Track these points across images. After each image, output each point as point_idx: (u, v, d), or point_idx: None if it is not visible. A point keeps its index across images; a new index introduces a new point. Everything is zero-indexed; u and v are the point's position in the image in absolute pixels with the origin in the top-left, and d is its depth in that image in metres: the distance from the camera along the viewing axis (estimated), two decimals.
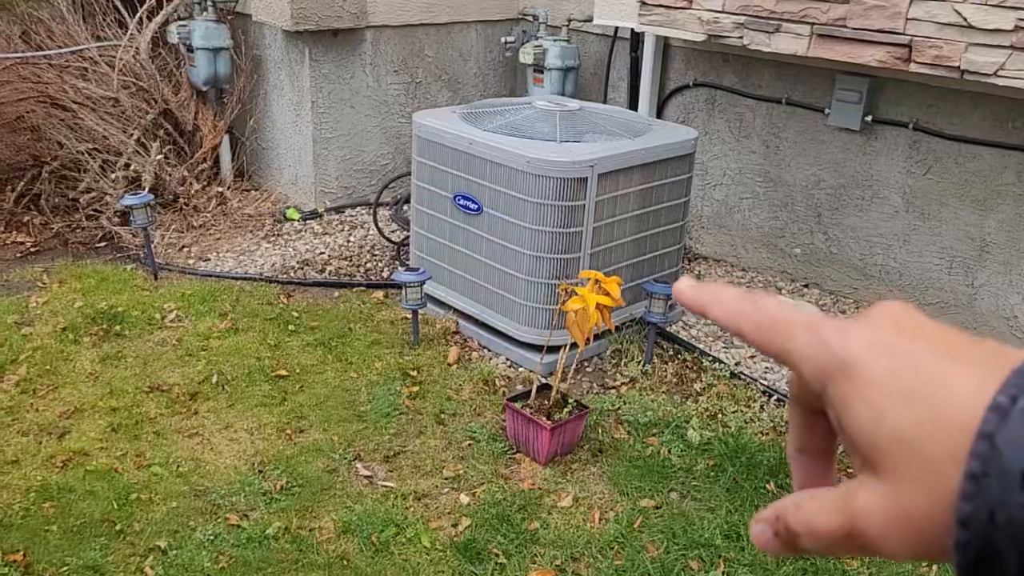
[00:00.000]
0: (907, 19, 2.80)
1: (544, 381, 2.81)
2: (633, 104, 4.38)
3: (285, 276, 3.79)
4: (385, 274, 3.88)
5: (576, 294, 2.45)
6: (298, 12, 3.97)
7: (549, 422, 2.56)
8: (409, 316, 3.23)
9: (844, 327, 0.37)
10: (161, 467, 2.54)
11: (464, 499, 2.47)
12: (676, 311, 3.32)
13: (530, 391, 2.72)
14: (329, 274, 3.85)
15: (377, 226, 4.19)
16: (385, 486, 2.51)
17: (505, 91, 5.00)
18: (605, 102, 4.51)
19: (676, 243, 3.38)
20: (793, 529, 0.37)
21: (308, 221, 4.40)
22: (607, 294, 2.43)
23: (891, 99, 3.45)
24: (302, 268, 3.90)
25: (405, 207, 4.51)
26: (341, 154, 4.48)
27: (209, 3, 4.37)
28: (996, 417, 0.31)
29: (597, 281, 2.45)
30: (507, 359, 3.19)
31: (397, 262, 3.98)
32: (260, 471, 2.54)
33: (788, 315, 0.39)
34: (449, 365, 3.12)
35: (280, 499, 2.43)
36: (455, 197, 3.18)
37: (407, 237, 4.12)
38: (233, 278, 3.76)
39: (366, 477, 2.55)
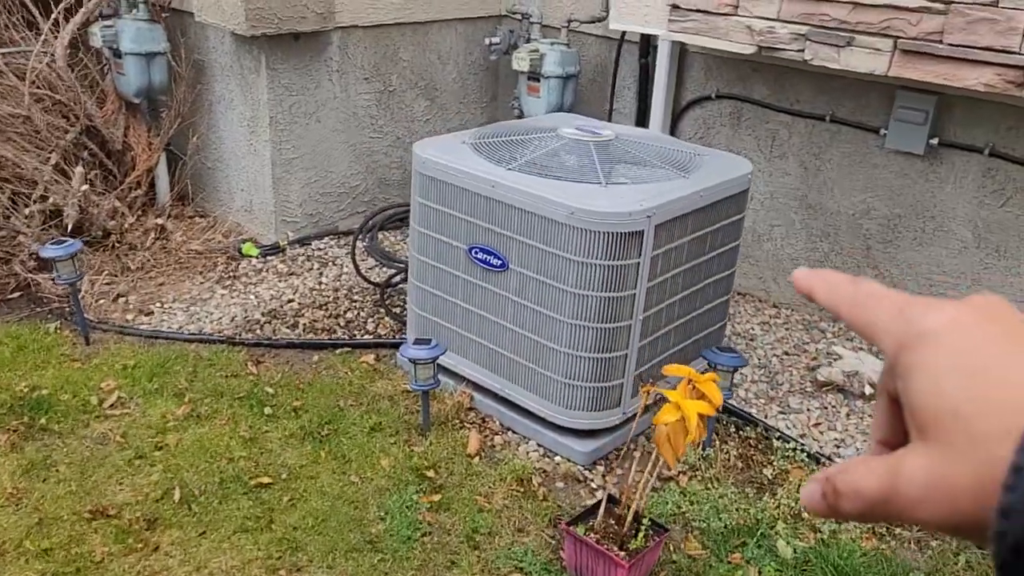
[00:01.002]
0: None
1: (604, 488, 2.26)
2: (642, 118, 3.84)
3: (251, 336, 3.15)
4: (370, 326, 3.27)
5: (664, 398, 1.91)
6: (254, 12, 3.30)
7: (624, 555, 2.03)
8: (406, 383, 2.63)
9: (930, 303, 0.39)
10: None
11: None
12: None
13: (589, 508, 2.18)
14: (304, 329, 3.22)
15: (356, 267, 3.56)
16: None
17: (487, 98, 4.40)
18: (610, 115, 3.96)
19: (725, 293, 2.87)
20: (839, 489, 0.39)
21: (269, 257, 3.74)
22: (704, 397, 1.89)
23: (961, 120, 2.99)
24: (270, 322, 3.26)
25: (381, 235, 3.89)
26: (305, 176, 3.83)
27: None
28: None
29: (690, 380, 1.91)
30: (538, 444, 2.63)
31: (382, 309, 3.37)
32: None
33: (883, 292, 0.41)
34: (470, 457, 2.54)
35: None
36: (471, 250, 2.60)
37: (392, 276, 3.52)
38: (187, 340, 3.10)
39: None
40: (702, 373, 2.79)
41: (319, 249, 3.84)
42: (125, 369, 2.87)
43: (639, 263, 2.40)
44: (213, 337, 3.11)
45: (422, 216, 2.71)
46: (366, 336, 3.19)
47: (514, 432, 2.68)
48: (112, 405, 2.70)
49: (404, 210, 4.13)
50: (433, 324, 2.80)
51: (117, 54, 3.68)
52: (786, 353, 3.22)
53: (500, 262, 2.54)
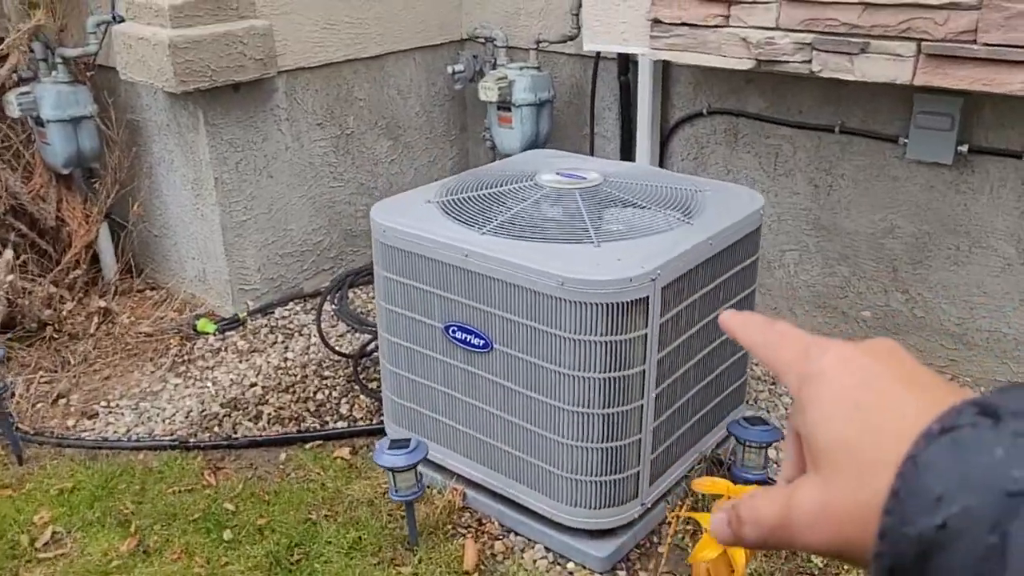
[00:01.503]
0: None
1: None
2: (627, 141, 3.47)
3: (208, 436, 2.76)
4: (344, 408, 2.88)
5: (699, 526, 1.53)
6: (183, 67, 2.92)
7: None
8: (387, 482, 2.25)
9: (831, 344, 0.42)
10: None
11: None
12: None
13: None
14: (269, 420, 2.83)
15: (324, 339, 3.18)
16: None
17: (455, 130, 4.02)
18: (592, 141, 3.59)
19: (742, 348, 2.49)
20: (742, 517, 0.41)
21: (228, 333, 3.35)
22: None
23: (992, 122, 2.63)
24: (229, 415, 2.87)
25: (352, 293, 3.52)
26: (261, 238, 3.44)
27: (58, 59, 3.25)
28: (924, 441, 0.34)
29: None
30: (547, 549, 2.25)
31: (356, 385, 2.99)
32: None
33: (792, 332, 0.45)
34: (468, 574, 2.16)
35: None
36: (448, 328, 2.22)
37: (366, 344, 3.14)
38: (135, 448, 2.71)
39: None
40: (723, 444, 2.42)
41: (283, 318, 3.45)
42: (62, 495, 2.48)
43: (646, 335, 2.02)
44: (164, 442, 2.72)
45: (387, 291, 2.33)
46: (339, 423, 2.80)
47: (517, 535, 2.30)
48: (46, 544, 2.31)
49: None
50: (412, 412, 2.42)
51: (39, 122, 3.30)
52: None
53: (482, 342, 2.16)
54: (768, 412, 2.81)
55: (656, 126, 3.34)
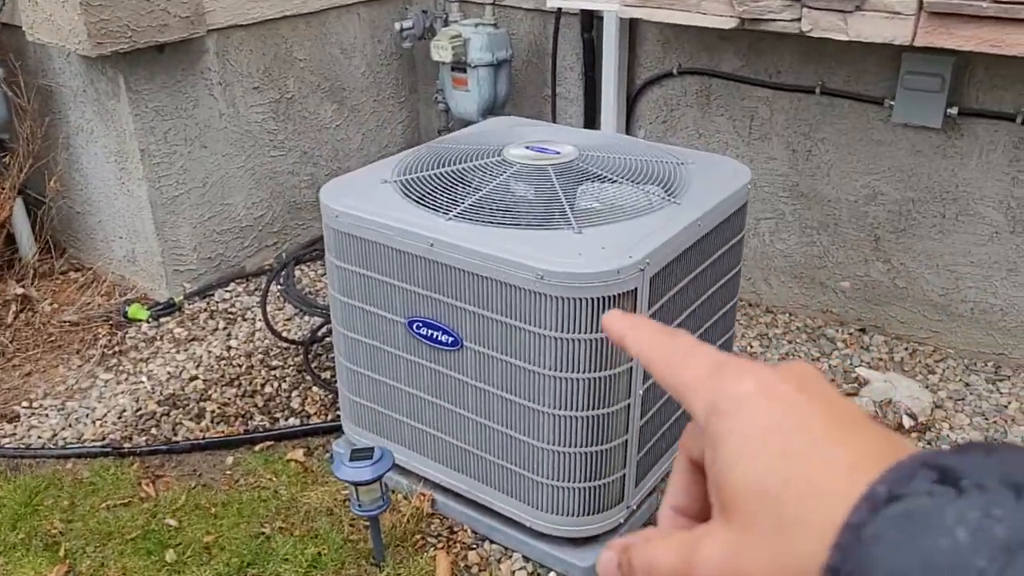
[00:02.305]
0: None
1: None
2: (591, 103, 3.25)
3: (145, 440, 2.50)
4: (295, 402, 2.65)
5: None
6: (98, 27, 2.59)
7: None
8: (347, 488, 2.04)
9: (746, 367, 0.36)
10: None
11: None
12: None
13: None
14: (213, 418, 2.58)
15: (270, 325, 2.93)
16: None
17: (405, 91, 3.74)
18: (554, 104, 3.35)
19: (728, 330, 2.33)
20: (634, 564, 0.36)
21: (163, 319, 3.07)
22: None
23: (984, 83, 2.47)
24: (168, 413, 2.61)
25: (299, 271, 3.26)
26: (196, 214, 3.15)
27: None
28: (868, 509, 0.29)
29: None
30: (525, 558, 2.08)
31: (308, 375, 2.76)
32: None
33: (698, 349, 0.38)
34: None
35: None
36: (411, 323, 2.00)
37: (318, 328, 2.90)
38: (62, 456, 2.44)
39: None
40: None
41: (224, 300, 3.18)
42: None
43: None
44: (95, 448, 2.46)
45: (342, 282, 2.09)
46: (291, 420, 2.57)
47: (492, 543, 2.12)
48: None
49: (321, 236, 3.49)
50: (372, 413, 2.20)
51: None
52: None
53: (451, 339, 1.94)
54: None
55: (622, 87, 3.12)
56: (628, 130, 3.21)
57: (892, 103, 2.60)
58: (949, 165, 2.61)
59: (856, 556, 0.29)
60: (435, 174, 2.10)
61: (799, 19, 2.19)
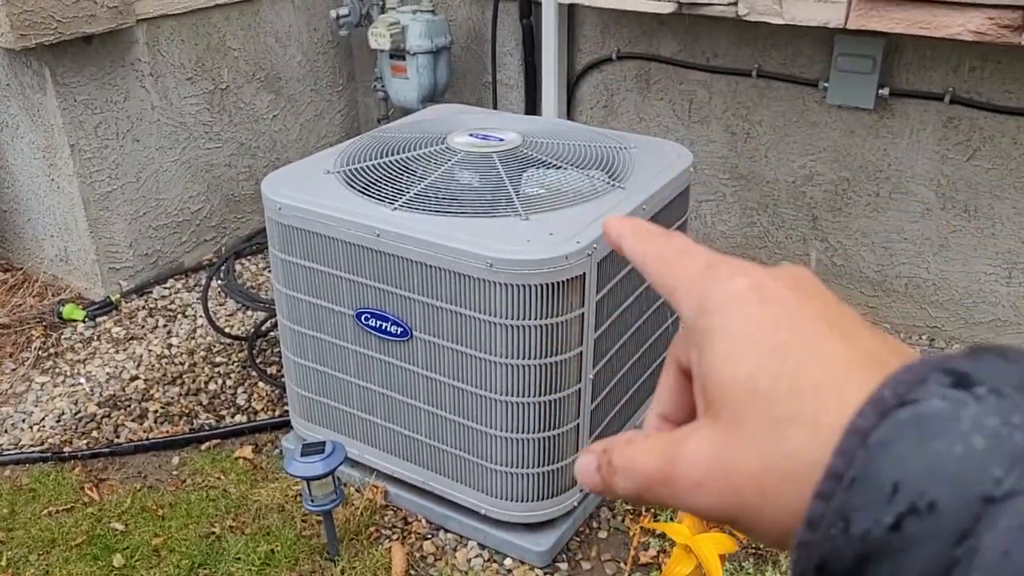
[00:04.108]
0: None
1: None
2: (532, 89, 3.25)
3: (86, 443, 2.43)
4: (241, 399, 2.61)
5: (669, 539, 1.38)
6: (22, 18, 2.49)
7: None
8: (298, 485, 2.02)
9: (740, 266, 0.35)
10: None
11: None
12: None
13: None
14: (156, 418, 2.53)
15: (212, 321, 2.87)
16: None
17: (342, 80, 3.69)
18: (494, 90, 3.34)
19: (669, 316, 2.36)
20: (614, 463, 0.35)
21: (99, 319, 2.99)
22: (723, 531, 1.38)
23: (914, 64, 2.54)
24: (109, 415, 2.55)
25: (239, 264, 3.20)
26: (130, 210, 3.06)
27: None
28: (875, 413, 0.27)
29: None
30: (481, 546, 2.08)
31: (253, 371, 2.71)
32: None
33: (693, 248, 0.37)
34: None
35: None
36: (359, 315, 1.98)
37: (260, 324, 2.86)
38: None
39: None
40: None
41: (163, 297, 3.11)
42: None
43: (583, 314, 1.84)
44: (34, 454, 2.38)
45: (286, 275, 2.06)
46: (237, 417, 2.53)
47: (447, 531, 2.12)
48: None
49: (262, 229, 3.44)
50: (321, 406, 2.18)
51: None
52: None
53: (400, 329, 1.93)
54: None
55: (563, 73, 3.13)
56: (569, 115, 3.22)
57: (826, 85, 2.66)
58: (882, 145, 2.68)
59: (862, 462, 0.27)
60: (379, 163, 2.07)
61: (735, 3, 2.22)
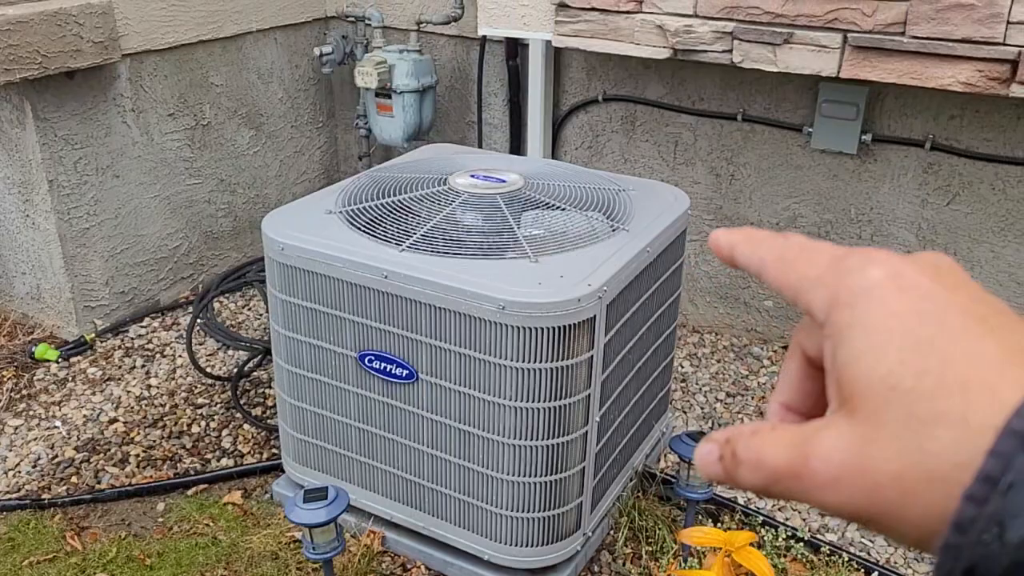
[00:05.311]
0: (1009, 22, 1.92)
1: None
2: (517, 129, 3.27)
3: (66, 490, 2.35)
4: (226, 442, 2.54)
5: None
6: (6, 54, 2.44)
7: None
8: (292, 531, 1.97)
9: (875, 256, 0.33)
10: None
11: None
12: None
13: None
14: (138, 463, 2.45)
15: (195, 361, 2.81)
16: None
17: (323, 117, 3.68)
18: (479, 130, 3.36)
19: (670, 351, 2.38)
20: (739, 456, 0.33)
21: (74, 359, 2.90)
22: (748, 574, 1.37)
23: (895, 111, 2.62)
24: (88, 460, 2.46)
25: (218, 303, 3.15)
26: (108, 247, 2.99)
27: None
28: None
29: (727, 553, 1.38)
30: None
31: (238, 413, 2.65)
32: None
33: (816, 243, 0.36)
34: None
35: None
36: (363, 357, 1.95)
37: (244, 364, 2.80)
38: None
39: None
40: (651, 455, 2.30)
41: (140, 336, 3.03)
42: None
43: (592, 357, 1.84)
44: (11, 502, 2.29)
45: (286, 316, 2.03)
46: (224, 460, 2.47)
47: None
48: None
49: (243, 268, 3.39)
50: (318, 450, 2.13)
51: None
52: (729, 395, 2.79)
53: (406, 372, 1.91)
54: (685, 412, 2.71)
55: (548, 113, 3.16)
56: (554, 155, 3.25)
57: (811, 130, 2.72)
58: (864, 189, 2.75)
59: (1022, 466, 0.25)
60: (381, 204, 2.06)
61: (730, 51, 2.26)
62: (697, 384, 2.85)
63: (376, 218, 2.00)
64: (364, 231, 1.95)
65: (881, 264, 0.32)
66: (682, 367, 2.96)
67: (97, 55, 2.68)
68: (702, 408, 2.73)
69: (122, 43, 2.79)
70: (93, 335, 2.98)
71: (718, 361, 2.98)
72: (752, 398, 2.76)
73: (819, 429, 0.32)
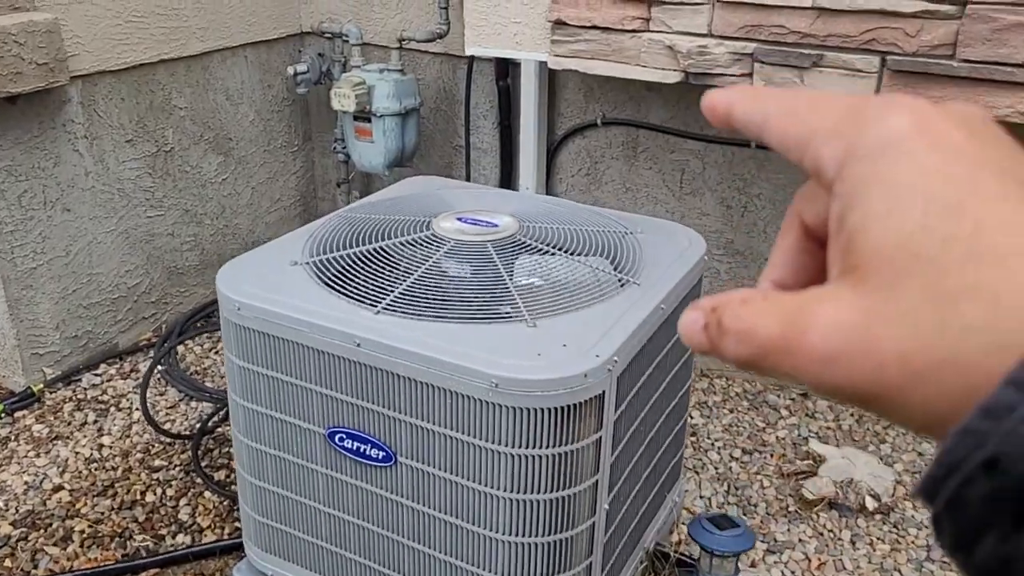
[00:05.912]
0: None
1: None
2: (508, 154, 3.01)
3: None
4: (184, 514, 2.26)
5: None
6: None
7: None
8: None
9: (901, 101, 0.29)
10: None
11: None
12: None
13: None
14: (83, 541, 2.16)
15: (150, 419, 2.52)
16: None
17: (298, 140, 3.40)
18: (467, 155, 3.09)
19: (682, 416, 2.11)
20: (725, 325, 0.30)
21: (18, 413, 2.61)
22: None
23: None
24: (26, 538, 2.17)
25: (181, 347, 2.87)
26: (58, 288, 2.71)
27: None
28: None
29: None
30: None
31: (198, 477, 2.37)
32: None
33: (833, 95, 0.31)
34: None
35: None
36: (332, 435, 1.67)
37: (208, 418, 2.52)
38: None
39: None
40: (660, 530, 2.05)
41: (94, 386, 2.74)
42: None
43: (600, 438, 1.57)
44: None
45: (244, 385, 1.75)
46: (180, 538, 2.18)
47: None
48: None
49: (210, 306, 3.11)
50: (282, 535, 1.86)
51: None
52: (746, 452, 2.52)
53: (383, 454, 1.63)
54: (698, 473, 2.45)
55: (542, 138, 2.89)
56: (548, 183, 2.99)
57: None
58: None
59: None
60: (355, 253, 1.79)
61: (750, 74, 2.00)
62: (709, 439, 2.59)
63: (348, 271, 1.72)
64: (334, 288, 1.68)
65: (907, 113, 0.28)
66: (692, 418, 2.69)
67: (41, 78, 2.40)
68: (716, 468, 2.47)
69: (71, 64, 2.51)
70: (42, 385, 2.69)
71: (731, 411, 2.72)
72: (771, 455, 2.49)
73: (818, 300, 0.28)
